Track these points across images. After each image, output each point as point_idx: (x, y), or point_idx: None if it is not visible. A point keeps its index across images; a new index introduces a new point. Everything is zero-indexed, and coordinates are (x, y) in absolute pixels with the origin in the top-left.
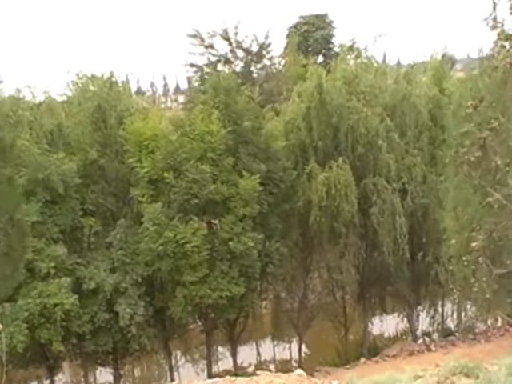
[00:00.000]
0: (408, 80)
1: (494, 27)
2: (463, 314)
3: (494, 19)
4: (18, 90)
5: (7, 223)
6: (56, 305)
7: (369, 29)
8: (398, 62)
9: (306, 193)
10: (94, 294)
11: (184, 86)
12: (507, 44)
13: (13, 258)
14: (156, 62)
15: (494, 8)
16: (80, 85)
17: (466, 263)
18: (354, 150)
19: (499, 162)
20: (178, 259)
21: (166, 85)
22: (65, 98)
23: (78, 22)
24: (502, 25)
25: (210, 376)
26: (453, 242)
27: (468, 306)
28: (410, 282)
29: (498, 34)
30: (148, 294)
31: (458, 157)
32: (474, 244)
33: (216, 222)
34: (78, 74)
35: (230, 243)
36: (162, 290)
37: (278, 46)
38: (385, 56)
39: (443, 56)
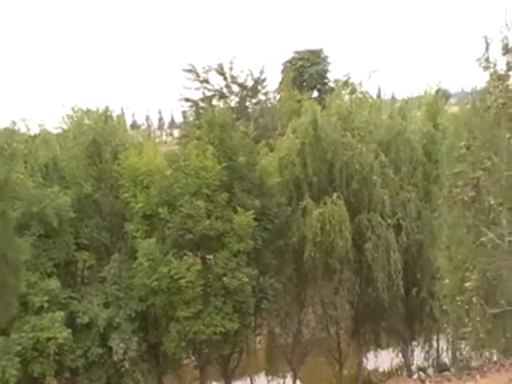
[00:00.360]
0: (402, 115)
1: (486, 68)
2: (457, 352)
3: (487, 60)
4: (13, 123)
5: (0, 260)
6: (49, 339)
7: (364, 63)
8: (393, 96)
9: (301, 228)
10: (87, 329)
11: (179, 119)
12: (499, 84)
13: (6, 294)
14: (151, 96)
15: (487, 48)
16: (75, 118)
17: (459, 303)
18: (348, 186)
19: (492, 202)
20: (172, 294)
21: (161, 118)
22: (60, 131)
23: (75, 56)
24: (495, 65)
25: None
26: (446, 281)
27: (462, 346)
28: (405, 318)
29: (491, 75)
30: (142, 329)
31: (452, 196)
32: (467, 284)
33: (210, 257)
34: (73, 108)
35: (224, 279)
36: (155, 325)
37: (273, 81)
38: (379, 90)
39: (437, 91)
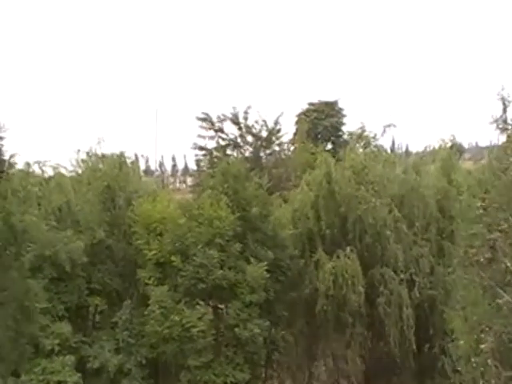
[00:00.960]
0: (416, 170)
1: (504, 129)
2: None
3: (505, 121)
4: (28, 165)
5: (16, 310)
6: (59, 382)
7: (379, 114)
8: (407, 150)
9: (313, 281)
10: (97, 374)
11: (193, 167)
12: None
13: (21, 340)
14: (165, 143)
15: (505, 110)
16: (90, 163)
17: (474, 365)
18: (361, 240)
19: (509, 264)
20: (183, 343)
21: (174, 165)
22: (74, 175)
23: (90, 100)
24: None
25: None
26: (461, 342)
27: None
28: (416, 374)
29: (508, 136)
30: (152, 376)
31: (468, 257)
32: (483, 345)
33: (222, 306)
34: (88, 153)
35: (236, 329)
36: (166, 372)
37: (287, 131)
38: (393, 143)
39: (451, 146)
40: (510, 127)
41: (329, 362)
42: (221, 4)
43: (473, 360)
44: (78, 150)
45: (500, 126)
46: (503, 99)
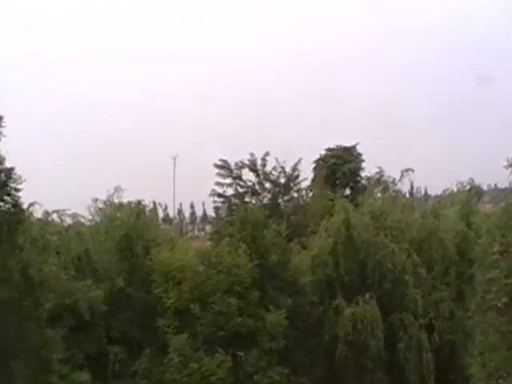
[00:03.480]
0: (435, 214)
1: None
2: None
3: None
4: (47, 214)
5: (32, 360)
6: None
7: (397, 158)
8: (426, 193)
9: (333, 327)
10: None
11: (211, 214)
12: None
13: None
14: (184, 190)
15: None
16: (107, 212)
17: None
18: (380, 285)
19: None
20: None
21: (193, 213)
22: (92, 224)
23: (106, 146)
24: None
25: None
26: None
27: None
28: None
29: None
30: None
31: (485, 303)
32: None
33: (242, 354)
34: (105, 202)
35: (256, 377)
36: None
37: (305, 177)
38: (412, 187)
39: (470, 189)
40: None
41: None
42: (239, 45)
43: None
44: (96, 199)
45: None
46: None
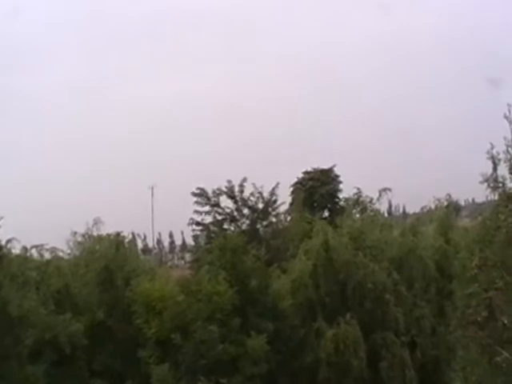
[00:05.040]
0: (414, 232)
1: (495, 188)
2: None
3: (495, 180)
4: (25, 249)
5: None
6: None
7: (374, 178)
8: (404, 211)
9: (315, 350)
10: None
11: (190, 242)
12: (509, 204)
13: None
14: (162, 219)
15: (495, 169)
16: (87, 245)
17: None
18: (361, 305)
19: (506, 321)
20: None
21: (172, 242)
22: (71, 258)
23: (81, 178)
24: (503, 184)
25: None
26: None
27: None
28: None
29: (500, 195)
30: None
31: (465, 317)
32: None
33: (224, 381)
34: (84, 235)
35: None
36: None
37: (283, 201)
38: (390, 206)
39: (448, 205)
40: (500, 185)
41: None
42: (211, 72)
43: None
44: (75, 233)
45: (491, 185)
46: (493, 158)
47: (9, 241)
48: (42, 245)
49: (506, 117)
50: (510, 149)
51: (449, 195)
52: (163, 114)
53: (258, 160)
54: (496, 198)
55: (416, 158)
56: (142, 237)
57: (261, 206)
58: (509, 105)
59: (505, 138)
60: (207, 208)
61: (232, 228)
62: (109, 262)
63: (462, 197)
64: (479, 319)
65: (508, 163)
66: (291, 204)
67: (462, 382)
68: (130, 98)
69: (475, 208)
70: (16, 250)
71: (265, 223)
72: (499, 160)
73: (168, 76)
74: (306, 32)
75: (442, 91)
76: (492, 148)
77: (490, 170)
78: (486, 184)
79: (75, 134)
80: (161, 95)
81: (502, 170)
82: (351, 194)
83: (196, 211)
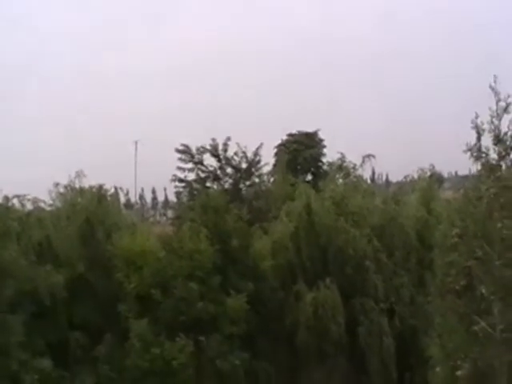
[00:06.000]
0: (396, 201)
1: (478, 157)
2: None
3: (479, 149)
4: (7, 199)
5: None
6: None
7: (359, 144)
8: (387, 179)
9: (294, 313)
10: None
11: (173, 199)
12: (491, 174)
13: None
14: (146, 175)
15: (479, 139)
16: (69, 197)
17: None
18: (341, 271)
19: (484, 291)
20: (164, 376)
21: (154, 198)
22: (53, 209)
23: (66, 131)
24: (487, 155)
25: None
26: (438, 369)
27: None
28: None
29: (483, 164)
30: None
31: (444, 285)
32: (459, 372)
33: (203, 339)
34: (66, 187)
35: (217, 362)
36: None
37: (267, 163)
38: (374, 173)
39: (431, 176)
40: (484, 155)
41: None
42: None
43: None
44: (57, 184)
45: (474, 155)
46: (477, 127)
47: None
48: (24, 195)
49: (491, 87)
50: (494, 119)
51: (432, 166)
52: (152, 67)
53: (243, 120)
54: (478, 168)
55: (401, 127)
56: (125, 192)
57: (244, 165)
58: (495, 76)
59: (490, 109)
60: (190, 165)
61: (215, 186)
62: (90, 214)
63: (445, 169)
64: (458, 288)
65: (492, 134)
66: (275, 165)
67: (438, 349)
68: (118, 48)
69: (458, 181)
70: None
71: (248, 183)
72: (483, 130)
73: (157, 28)
74: None
75: (430, 59)
76: (476, 118)
77: (474, 141)
78: (469, 153)
79: (59, 86)
80: (149, 48)
81: (486, 140)
82: (335, 158)
83: (179, 168)
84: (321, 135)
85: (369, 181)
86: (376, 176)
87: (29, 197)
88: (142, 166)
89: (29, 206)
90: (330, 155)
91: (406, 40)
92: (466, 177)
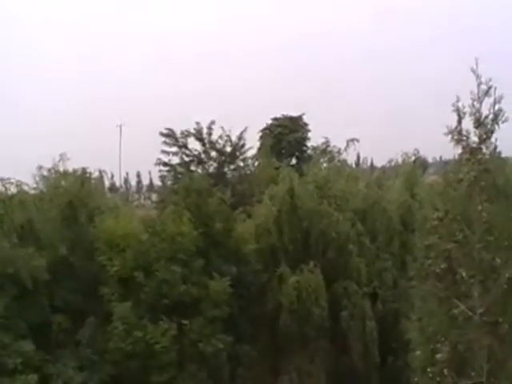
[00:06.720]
0: (379, 185)
1: (459, 140)
2: None
3: (460, 132)
4: None
5: None
6: None
7: (343, 129)
8: (372, 164)
9: (277, 296)
10: None
11: (157, 182)
12: (472, 157)
13: None
14: (130, 159)
15: (459, 121)
16: (52, 180)
17: (430, 375)
18: (324, 254)
19: (464, 274)
20: (146, 359)
21: (139, 182)
22: (37, 192)
23: (51, 114)
24: (467, 138)
25: None
26: (418, 353)
27: None
28: None
29: (463, 147)
30: None
31: (424, 269)
32: (438, 355)
33: (186, 322)
34: (49, 170)
35: (200, 345)
36: None
37: (251, 146)
38: (359, 158)
39: (415, 161)
40: (464, 138)
41: (293, 376)
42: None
43: (429, 370)
44: (40, 167)
45: (455, 138)
46: (458, 110)
47: None
48: (7, 178)
49: (472, 70)
50: (475, 103)
51: (417, 150)
52: (137, 51)
53: (228, 104)
54: (459, 151)
55: (386, 111)
56: (110, 176)
57: (228, 149)
58: (476, 58)
59: (471, 92)
60: (175, 149)
61: (199, 170)
62: (73, 197)
63: (429, 154)
64: (438, 271)
65: (473, 117)
66: (259, 149)
67: (418, 332)
68: (104, 34)
69: (442, 166)
70: None
71: (232, 167)
72: (464, 113)
73: (143, 16)
74: None
75: (415, 44)
76: (458, 101)
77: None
78: (450, 136)
79: (44, 67)
80: (136, 34)
81: (467, 124)
82: (319, 143)
83: (163, 151)
84: (305, 119)
85: (354, 165)
86: (361, 161)
87: (12, 180)
88: (126, 150)
89: (12, 189)
90: (314, 139)
91: (393, 23)
92: (450, 162)
